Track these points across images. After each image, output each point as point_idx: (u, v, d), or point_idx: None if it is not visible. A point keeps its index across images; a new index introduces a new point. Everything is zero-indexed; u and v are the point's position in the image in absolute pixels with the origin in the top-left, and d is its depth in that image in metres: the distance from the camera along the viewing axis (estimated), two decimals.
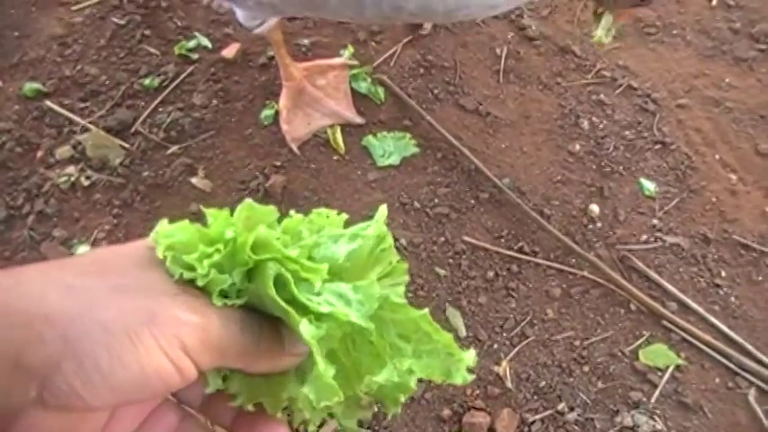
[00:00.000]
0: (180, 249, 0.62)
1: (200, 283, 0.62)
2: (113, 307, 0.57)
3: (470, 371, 0.66)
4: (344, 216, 0.70)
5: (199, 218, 0.64)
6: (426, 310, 0.66)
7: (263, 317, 0.65)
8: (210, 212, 0.65)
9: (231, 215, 0.65)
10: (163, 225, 0.64)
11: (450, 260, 1.92)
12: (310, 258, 0.66)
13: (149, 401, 0.67)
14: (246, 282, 0.65)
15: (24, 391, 0.55)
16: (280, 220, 0.68)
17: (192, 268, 0.62)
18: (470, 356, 0.66)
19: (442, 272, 1.89)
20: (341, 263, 0.67)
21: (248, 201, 0.66)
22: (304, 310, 0.62)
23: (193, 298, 0.61)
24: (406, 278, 0.71)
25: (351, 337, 0.67)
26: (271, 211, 0.67)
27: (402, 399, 0.68)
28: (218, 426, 0.71)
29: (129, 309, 0.58)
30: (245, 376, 0.66)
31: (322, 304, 0.63)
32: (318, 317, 0.63)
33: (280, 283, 0.63)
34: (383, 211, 0.70)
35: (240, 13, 1.85)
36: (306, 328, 0.60)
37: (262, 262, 0.63)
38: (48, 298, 0.57)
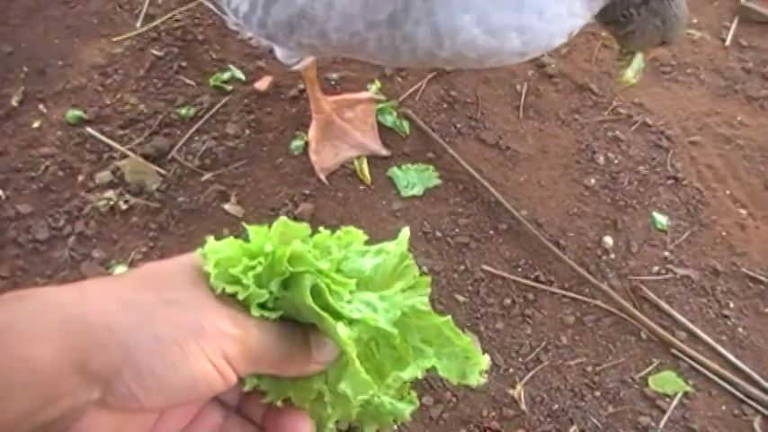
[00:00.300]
0: (226, 263, 0.70)
1: (240, 296, 0.70)
2: (166, 320, 0.66)
3: (482, 374, 0.75)
4: (365, 236, 0.79)
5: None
6: (449, 317, 0.75)
7: (295, 330, 0.73)
8: (252, 229, 0.73)
9: (269, 231, 0.74)
10: (211, 242, 0.72)
11: (470, 287, 2.00)
12: (339, 271, 0.75)
13: (195, 404, 0.75)
14: (283, 290, 0.73)
15: (88, 392, 0.63)
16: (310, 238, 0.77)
17: (235, 281, 0.70)
18: (486, 360, 0.75)
19: (461, 298, 1.97)
20: (367, 275, 0.76)
21: (283, 218, 0.75)
22: (337, 316, 0.71)
23: (235, 311, 0.69)
24: (429, 290, 0.79)
25: (374, 341, 0.75)
26: (303, 227, 0.75)
27: (392, 423, 0.77)
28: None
29: (180, 322, 0.66)
30: (275, 377, 0.75)
31: (353, 311, 0.72)
32: (350, 322, 0.71)
33: (314, 292, 0.71)
34: (406, 232, 0.79)
35: (279, 52, 1.95)
36: (343, 330, 0.69)
37: (298, 274, 0.72)
38: (109, 311, 0.65)
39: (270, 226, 0.74)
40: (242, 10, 1.72)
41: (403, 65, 1.94)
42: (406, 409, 0.76)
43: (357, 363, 0.70)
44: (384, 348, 0.75)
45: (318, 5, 1.60)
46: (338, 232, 0.79)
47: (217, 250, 0.71)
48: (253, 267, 0.70)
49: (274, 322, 0.72)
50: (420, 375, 0.74)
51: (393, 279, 0.77)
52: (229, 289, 0.70)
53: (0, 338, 0.62)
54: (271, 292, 0.72)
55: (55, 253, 2.02)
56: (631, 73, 1.92)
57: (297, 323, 0.74)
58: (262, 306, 0.71)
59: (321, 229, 0.77)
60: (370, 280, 0.76)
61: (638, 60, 1.91)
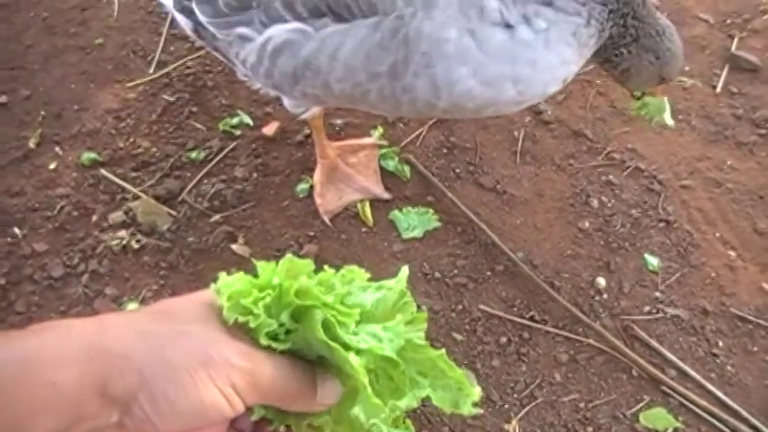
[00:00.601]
0: (237, 296, 0.78)
1: (252, 324, 0.77)
2: (179, 350, 0.73)
3: (475, 405, 0.81)
4: (367, 275, 0.86)
5: None
6: (443, 351, 0.82)
7: (304, 369, 0.80)
8: (260, 264, 0.81)
9: (276, 267, 0.82)
10: (223, 277, 0.80)
11: (467, 326, 2.06)
12: (342, 304, 0.82)
13: (212, 430, 0.81)
14: (294, 323, 0.80)
15: (108, 415, 0.71)
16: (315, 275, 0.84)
17: (247, 312, 0.77)
18: (477, 392, 0.82)
19: (459, 337, 2.04)
20: (369, 309, 0.83)
21: (289, 255, 0.83)
22: (346, 347, 0.78)
23: (245, 345, 0.77)
24: (425, 325, 0.86)
25: (374, 372, 0.82)
26: (308, 263, 0.82)
27: None
28: None
29: (192, 352, 0.74)
30: (281, 409, 0.82)
31: (360, 342, 0.79)
32: (357, 352, 0.78)
33: (324, 326, 0.78)
34: (405, 271, 0.87)
35: (287, 101, 2.04)
36: (355, 359, 0.77)
37: (307, 308, 0.79)
38: (126, 340, 0.73)
39: (277, 263, 0.81)
40: (250, 61, 1.82)
41: (403, 115, 2.02)
42: None
43: (369, 389, 0.77)
44: (383, 380, 0.82)
45: (322, 57, 1.70)
46: (342, 271, 0.86)
47: (229, 285, 0.79)
48: (262, 298, 0.78)
49: (284, 359, 0.79)
50: (416, 404, 0.81)
51: (393, 313, 0.84)
52: (241, 319, 0.77)
53: (30, 363, 0.69)
54: (282, 324, 0.79)
55: (69, 290, 2.09)
56: (662, 115, 2.00)
57: (305, 361, 0.81)
58: (272, 337, 0.79)
59: (326, 267, 0.84)
60: (372, 314, 0.83)
61: (654, 102, 2.00)
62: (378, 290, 0.85)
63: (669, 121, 2.02)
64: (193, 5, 1.85)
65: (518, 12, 1.64)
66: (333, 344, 0.77)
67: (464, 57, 1.64)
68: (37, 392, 0.68)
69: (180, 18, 1.98)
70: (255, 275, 0.81)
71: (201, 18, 1.85)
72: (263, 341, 0.78)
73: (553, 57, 1.69)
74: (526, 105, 1.84)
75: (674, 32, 1.87)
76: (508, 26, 1.64)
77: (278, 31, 1.73)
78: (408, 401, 0.81)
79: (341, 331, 0.78)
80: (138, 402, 0.71)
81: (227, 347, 0.75)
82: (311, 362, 0.82)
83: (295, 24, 1.71)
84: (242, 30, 1.79)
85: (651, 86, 1.96)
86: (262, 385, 0.76)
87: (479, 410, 0.86)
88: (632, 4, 1.72)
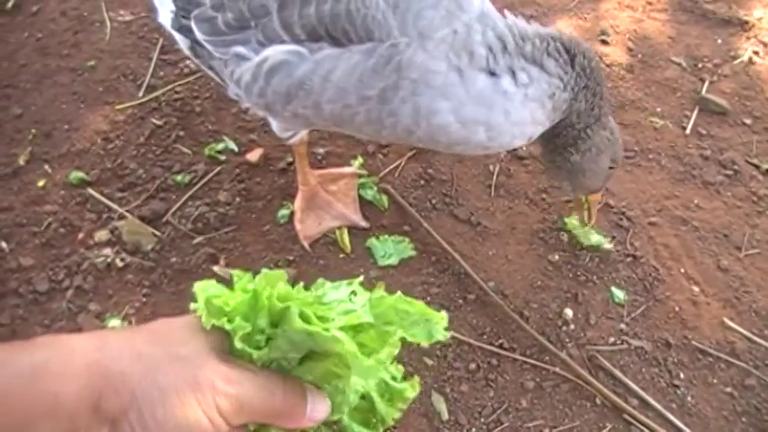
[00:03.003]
0: (212, 299, 0.83)
1: (227, 327, 0.82)
2: (170, 373, 0.79)
3: (446, 329, 0.87)
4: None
5: None
6: (399, 293, 0.88)
7: (293, 387, 0.85)
8: (236, 273, 0.88)
9: (252, 277, 0.87)
10: (199, 283, 0.86)
11: (438, 352, 2.12)
12: (320, 303, 0.87)
13: None
14: (273, 328, 0.85)
15: (98, 429, 0.77)
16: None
17: (221, 314, 0.82)
18: (444, 316, 0.88)
19: (429, 362, 2.10)
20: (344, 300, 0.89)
21: (265, 269, 0.88)
22: (325, 330, 0.83)
23: (232, 369, 0.82)
24: (383, 288, 0.92)
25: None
26: (281, 273, 0.88)
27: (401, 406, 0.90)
28: None
29: (181, 376, 0.79)
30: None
31: (338, 321, 0.84)
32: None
33: (301, 317, 0.83)
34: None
35: (275, 125, 2.11)
36: (339, 333, 0.81)
37: (284, 309, 0.83)
38: (124, 359, 0.79)
39: (254, 274, 0.87)
40: (244, 80, 1.87)
41: (383, 139, 2.08)
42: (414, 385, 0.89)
43: (359, 354, 0.82)
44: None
45: (316, 78, 1.77)
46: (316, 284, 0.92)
47: (204, 288, 0.85)
48: (234, 298, 0.84)
49: (273, 377, 0.84)
50: (395, 351, 0.86)
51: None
52: (217, 323, 0.82)
53: (36, 374, 0.75)
54: (262, 331, 0.84)
55: (53, 304, 2.14)
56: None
57: (295, 378, 0.86)
58: (255, 346, 0.84)
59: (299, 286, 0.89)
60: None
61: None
62: (349, 285, 0.91)
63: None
64: (192, 24, 1.90)
65: (506, 63, 1.75)
66: (312, 328, 0.81)
67: (448, 92, 1.74)
68: (39, 401, 0.74)
69: (177, 36, 2.03)
70: (231, 287, 0.86)
71: (199, 36, 1.89)
72: (238, 344, 0.82)
73: (526, 113, 1.80)
74: (491, 152, 1.94)
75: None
76: (492, 74, 1.74)
77: (275, 52, 1.79)
78: (388, 349, 0.85)
79: (318, 321, 0.83)
80: (128, 419, 0.76)
81: (213, 373, 0.80)
82: (301, 378, 0.87)
83: (292, 46, 1.77)
84: (239, 49, 1.85)
85: (592, 190, 2.17)
86: (246, 408, 0.81)
87: (451, 333, 0.91)
88: (602, 86, 1.87)
